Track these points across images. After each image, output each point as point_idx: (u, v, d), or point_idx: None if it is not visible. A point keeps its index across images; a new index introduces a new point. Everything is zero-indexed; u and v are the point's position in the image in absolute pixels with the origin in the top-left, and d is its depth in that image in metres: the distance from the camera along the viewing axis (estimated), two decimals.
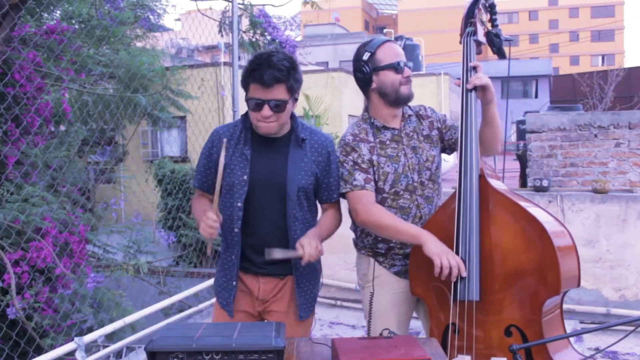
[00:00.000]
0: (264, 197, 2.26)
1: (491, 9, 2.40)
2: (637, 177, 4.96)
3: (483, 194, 2.19)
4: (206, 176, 2.35)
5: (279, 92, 2.15)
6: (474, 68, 2.29)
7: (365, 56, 2.38)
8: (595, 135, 5.04)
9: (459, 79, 2.34)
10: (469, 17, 2.37)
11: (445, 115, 2.56)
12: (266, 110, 2.16)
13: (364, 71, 2.39)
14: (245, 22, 5.23)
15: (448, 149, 2.55)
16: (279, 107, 2.17)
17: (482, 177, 2.21)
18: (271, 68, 2.11)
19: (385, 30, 41.56)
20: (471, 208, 2.16)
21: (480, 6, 2.37)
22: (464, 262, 2.14)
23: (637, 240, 4.67)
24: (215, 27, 5.20)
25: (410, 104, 2.49)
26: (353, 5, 52.88)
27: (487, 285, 2.13)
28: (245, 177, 2.23)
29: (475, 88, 2.27)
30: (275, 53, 2.17)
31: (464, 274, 2.12)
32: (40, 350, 3.30)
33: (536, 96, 32.21)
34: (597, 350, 3.78)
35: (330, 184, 2.35)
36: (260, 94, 2.15)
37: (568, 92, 20.97)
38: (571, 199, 4.79)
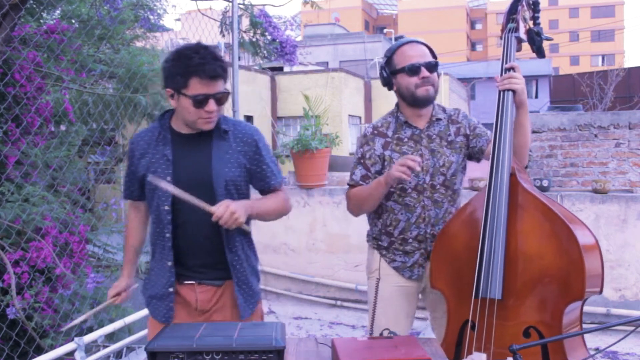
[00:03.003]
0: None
1: (534, 7, 2.36)
2: (637, 177, 4.95)
3: (513, 192, 2.15)
4: (131, 186, 2.32)
5: (220, 85, 2.11)
6: (512, 69, 2.24)
7: (384, 61, 2.46)
8: (595, 135, 5.04)
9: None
10: (512, 14, 2.32)
11: (477, 122, 2.52)
12: (212, 105, 2.09)
13: (383, 75, 2.48)
14: (245, 22, 5.21)
15: (473, 156, 2.51)
16: (221, 100, 2.12)
17: (513, 176, 2.17)
18: (216, 60, 2.07)
19: (385, 30, 41.58)
20: (500, 205, 2.12)
21: (524, 3, 2.33)
22: (489, 259, 2.10)
23: (637, 240, 4.67)
24: (216, 27, 5.18)
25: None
26: (353, 5, 52.89)
27: (510, 284, 2.10)
28: (168, 179, 2.15)
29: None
30: (205, 45, 2.12)
31: (418, 165, 2.20)
32: (40, 351, 3.30)
33: (536, 96, 32.23)
34: (597, 350, 3.78)
35: (264, 171, 2.27)
36: (206, 88, 2.07)
37: (568, 92, 21.00)
38: (571, 199, 4.79)
